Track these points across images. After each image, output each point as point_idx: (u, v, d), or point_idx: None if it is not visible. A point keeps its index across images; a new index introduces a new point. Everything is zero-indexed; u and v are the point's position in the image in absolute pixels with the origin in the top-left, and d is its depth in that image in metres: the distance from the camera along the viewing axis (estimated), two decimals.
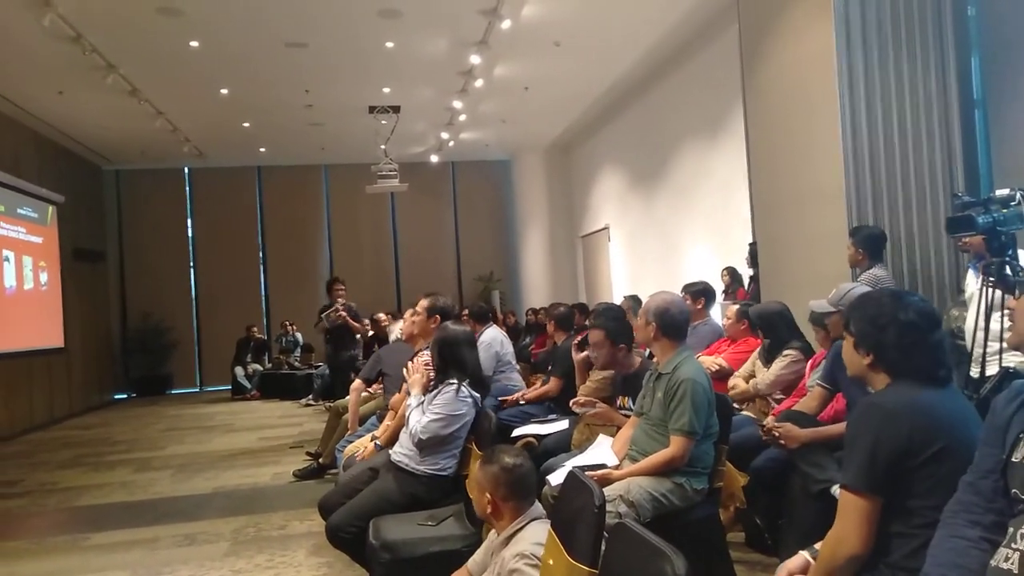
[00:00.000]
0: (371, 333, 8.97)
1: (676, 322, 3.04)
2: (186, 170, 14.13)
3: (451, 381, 3.26)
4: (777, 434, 3.00)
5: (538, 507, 2.26)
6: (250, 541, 4.32)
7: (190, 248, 14.27)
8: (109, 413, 11.57)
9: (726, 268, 7.73)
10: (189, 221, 14.27)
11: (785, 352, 3.98)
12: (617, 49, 8.73)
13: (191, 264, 14.27)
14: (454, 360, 3.34)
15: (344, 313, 7.48)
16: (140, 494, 5.73)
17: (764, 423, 3.17)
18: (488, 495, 2.20)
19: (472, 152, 13.81)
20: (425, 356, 3.66)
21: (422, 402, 3.30)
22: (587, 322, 5.74)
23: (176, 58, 8.27)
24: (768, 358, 4.13)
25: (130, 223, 13.94)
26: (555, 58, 8.79)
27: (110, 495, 5.76)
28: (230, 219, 14.16)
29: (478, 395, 3.35)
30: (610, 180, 12.01)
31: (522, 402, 5.08)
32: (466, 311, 9.63)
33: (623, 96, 10.62)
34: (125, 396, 13.53)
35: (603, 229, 12.31)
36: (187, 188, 14.27)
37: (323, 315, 7.49)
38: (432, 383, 3.36)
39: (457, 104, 10.26)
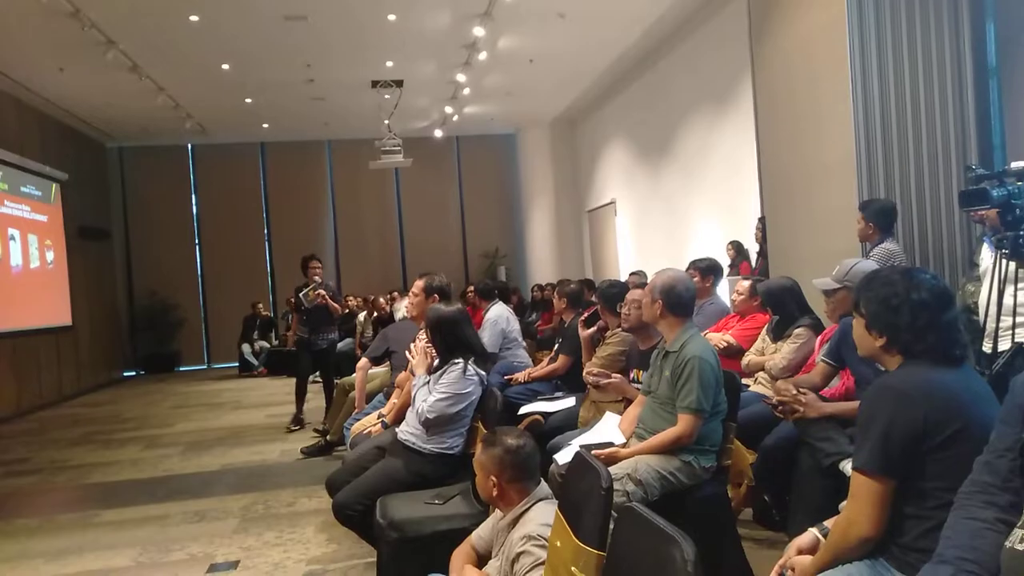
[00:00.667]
0: (347, 312, 8.91)
1: (682, 299, 3.00)
2: (189, 147, 14.07)
3: (456, 360, 3.25)
4: (802, 401, 2.96)
5: (544, 487, 2.24)
6: (259, 518, 4.34)
7: (194, 225, 14.26)
8: (118, 390, 11.66)
9: (731, 242, 7.66)
10: (193, 198, 14.25)
11: (796, 331, 3.93)
12: (622, 20, 8.58)
13: (196, 241, 14.27)
14: (455, 340, 3.32)
15: (324, 292, 6.76)
16: (150, 471, 5.77)
17: (779, 396, 3.11)
18: (493, 478, 2.18)
19: (476, 126, 13.69)
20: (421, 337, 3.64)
21: (428, 381, 3.28)
22: (592, 298, 5.73)
23: (176, 33, 8.18)
24: (776, 334, 4.09)
25: (134, 201, 13.92)
26: (560, 30, 8.66)
27: (120, 472, 5.80)
28: (234, 196, 14.12)
29: (484, 373, 3.33)
30: (616, 154, 11.90)
31: (524, 380, 5.06)
32: (472, 288, 9.65)
33: (629, 68, 10.47)
34: (134, 373, 13.62)
35: (609, 203, 12.22)
36: (190, 165, 14.22)
37: (300, 294, 6.78)
38: (436, 362, 3.34)
39: (461, 78, 10.14)
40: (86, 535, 4.26)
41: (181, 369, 13.82)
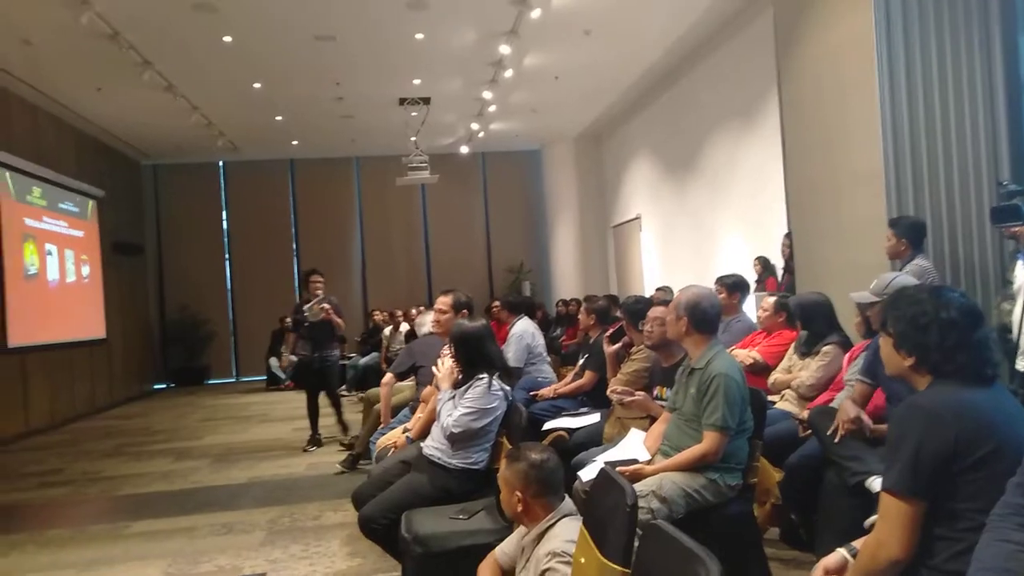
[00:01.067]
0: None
1: (708, 316, 2.99)
2: (221, 164, 14.34)
3: (481, 376, 3.26)
4: (854, 426, 2.95)
5: (569, 503, 2.24)
6: (285, 531, 4.38)
7: (225, 241, 14.49)
8: (149, 403, 11.85)
9: (758, 258, 7.61)
10: (224, 214, 14.50)
11: (824, 349, 3.89)
12: (648, 37, 8.61)
13: (226, 257, 14.49)
14: (480, 355, 3.33)
15: (328, 307, 6.44)
16: (179, 483, 5.85)
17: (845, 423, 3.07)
18: (518, 493, 2.18)
19: (502, 142, 13.77)
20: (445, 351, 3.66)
21: (453, 396, 3.30)
22: (617, 313, 5.71)
23: (210, 53, 8.37)
24: (805, 351, 4.05)
25: (167, 217, 14.21)
26: (585, 47, 8.70)
27: (150, 484, 5.89)
28: (264, 212, 14.34)
29: (508, 388, 3.34)
30: (641, 169, 11.89)
31: (550, 396, 5.05)
32: (497, 303, 9.67)
33: (654, 84, 10.48)
34: (164, 386, 13.83)
35: (635, 219, 12.19)
36: (222, 181, 14.48)
37: (305, 309, 6.46)
38: (461, 378, 3.36)
39: (487, 95, 10.22)
40: (116, 546, 4.33)
41: (210, 382, 14.01)
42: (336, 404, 6.96)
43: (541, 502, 2.18)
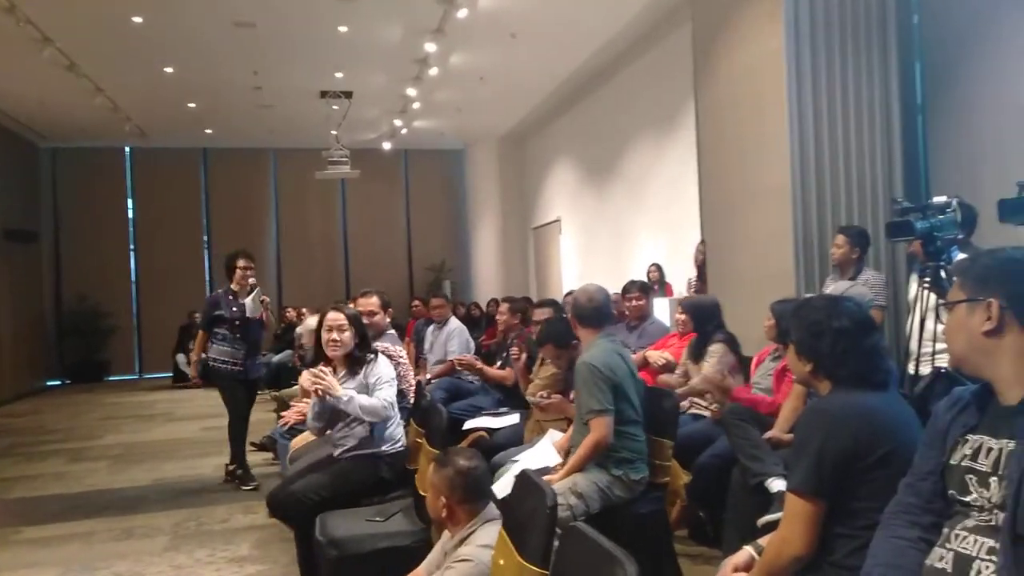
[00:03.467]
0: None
1: (585, 311, 3.10)
2: (127, 150, 13.64)
3: (369, 356, 3.33)
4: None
5: (492, 508, 2.26)
6: (191, 535, 4.22)
7: (130, 230, 13.81)
8: (41, 400, 11.15)
9: (653, 264, 7.91)
10: (129, 202, 13.80)
11: (711, 348, 4.06)
12: (573, 43, 8.75)
13: (131, 247, 13.81)
14: (365, 338, 3.39)
15: (267, 300, 5.48)
16: (75, 486, 5.54)
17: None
18: (443, 498, 2.19)
19: (426, 140, 13.69)
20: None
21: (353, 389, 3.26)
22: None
23: (117, 33, 7.95)
24: (696, 353, 4.20)
25: (66, 203, 13.39)
26: (511, 49, 8.76)
27: (43, 487, 5.56)
28: (173, 201, 13.73)
29: None
30: (563, 173, 12.06)
31: (476, 366, 5.07)
32: (418, 300, 9.62)
33: (577, 90, 10.66)
34: (59, 382, 13.05)
35: (555, 221, 12.36)
36: (128, 168, 13.79)
37: (248, 301, 5.20)
38: (348, 369, 3.33)
39: (411, 92, 10.13)
40: (5, 553, 4.06)
41: (111, 379, 13.30)
42: (243, 435, 5.46)
43: (465, 508, 2.20)
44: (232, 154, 13.92)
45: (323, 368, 3.23)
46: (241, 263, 5.33)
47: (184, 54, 8.72)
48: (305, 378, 3.33)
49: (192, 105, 10.85)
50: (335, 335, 3.28)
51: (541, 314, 4.47)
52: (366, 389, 3.25)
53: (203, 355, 5.38)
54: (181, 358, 12.17)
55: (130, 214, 13.81)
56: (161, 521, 4.50)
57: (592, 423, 2.84)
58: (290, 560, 3.52)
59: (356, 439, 3.25)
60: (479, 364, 5.11)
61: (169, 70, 9.23)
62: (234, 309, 5.25)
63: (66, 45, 8.19)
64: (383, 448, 3.26)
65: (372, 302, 4.20)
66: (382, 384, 3.25)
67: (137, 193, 13.82)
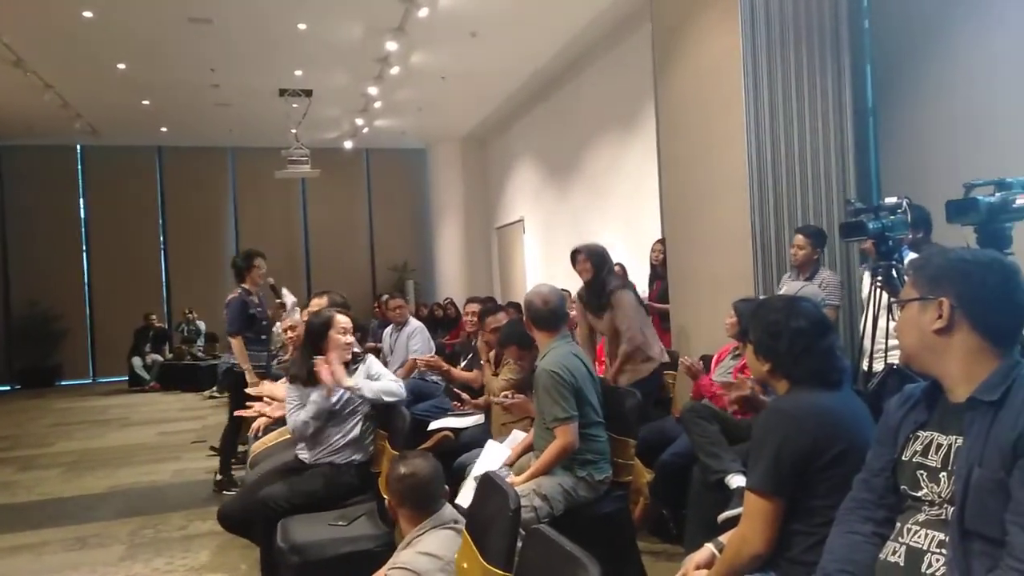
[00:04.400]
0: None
1: (541, 313, 3.09)
2: (78, 148, 13.27)
3: (359, 356, 3.40)
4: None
5: (445, 513, 2.24)
6: (147, 543, 4.12)
7: (82, 231, 13.43)
8: None
9: (618, 263, 7.94)
10: (81, 202, 13.42)
11: (614, 299, 4.26)
12: (533, 43, 8.76)
13: (84, 248, 13.44)
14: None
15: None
16: (24, 495, 5.38)
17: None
18: (393, 501, 2.22)
19: (387, 140, 13.58)
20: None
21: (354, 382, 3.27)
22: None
23: (67, 29, 7.73)
24: (594, 301, 4.39)
25: (13, 203, 12.97)
26: (472, 49, 8.74)
27: None
28: (127, 201, 13.41)
29: None
30: (525, 172, 12.08)
31: (441, 367, 5.04)
32: (381, 299, 9.53)
33: (539, 90, 10.68)
34: (8, 388, 12.63)
35: (518, 221, 12.37)
36: (79, 167, 13.40)
37: (287, 301, 5.23)
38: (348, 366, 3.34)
39: (372, 90, 10.05)
40: None
41: (63, 384, 12.93)
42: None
43: (405, 513, 2.21)
44: (189, 153, 13.63)
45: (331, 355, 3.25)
46: (257, 262, 5.23)
47: (137, 50, 8.51)
48: (324, 369, 3.19)
49: (146, 102, 10.59)
50: (347, 338, 3.30)
51: (494, 321, 4.45)
52: (370, 378, 3.32)
53: (230, 360, 5.11)
54: (137, 361, 11.90)
55: (82, 214, 13.43)
56: (116, 529, 4.39)
57: (558, 431, 2.84)
58: (250, 566, 3.47)
59: (341, 444, 3.22)
60: (445, 365, 5.04)
61: (122, 66, 9.00)
62: (260, 309, 5.11)
63: (13, 40, 7.94)
64: (358, 457, 3.23)
65: (322, 303, 4.16)
66: (383, 376, 3.34)
67: (89, 192, 13.44)
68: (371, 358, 3.42)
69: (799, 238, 4.32)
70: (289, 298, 5.40)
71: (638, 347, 4.24)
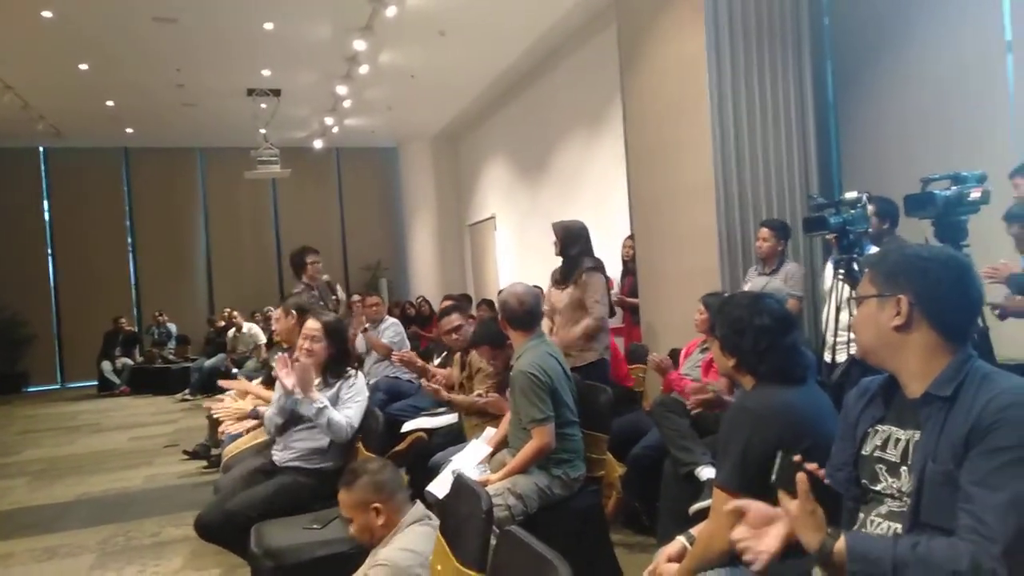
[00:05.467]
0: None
1: (516, 313, 3.10)
2: (41, 150, 13.00)
3: (349, 371, 3.30)
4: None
5: (417, 510, 2.25)
6: (119, 552, 4.08)
7: (47, 234, 13.16)
8: None
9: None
10: (45, 204, 13.15)
11: (584, 278, 4.20)
12: (502, 41, 8.77)
13: (49, 251, 13.17)
14: (345, 348, 3.36)
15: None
16: None
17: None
18: (377, 505, 2.17)
19: (358, 139, 13.49)
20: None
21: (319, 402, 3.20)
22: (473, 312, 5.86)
23: (26, 28, 7.56)
24: (564, 277, 4.34)
25: None
26: (441, 48, 8.73)
27: None
28: (94, 203, 13.16)
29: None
30: (497, 170, 12.10)
31: (405, 378, 5.00)
32: (351, 298, 9.47)
33: (508, 88, 10.70)
34: None
35: (490, 218, 12.39)
36: (42, 169, 13.13)
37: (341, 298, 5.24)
38: (323, 378, 3.28)
39: (341, 90, 9.97)
40: None
41: (30, 389, 12.67)
42: None
43: (395, 503, 2.19)
44: (156, 154, 13.42)
45: (306, 361, 3.15)
46: (311, 258, 5.34)
47: (100, 50, 8.36)
48: (280, 363, 3.19)
49: (110, 103, 10.41)
50: (308, 344, 3.25)
51: (448, 323, 4.44)
52: (336, 402, 3.20)
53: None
54: (107, 365, 11.72)
55: (47, 216, 13.16)
56: (86, 538, 4.34)
57: (534, 431, 2.87)
58: (223, 572, 3.46)
59: (308, 449, 3.20)
60: (420, 362, 4.90)
61: (84, 67, 8.84)
62: (321, 303, 5.19)
63: None
64: (328, 464, 3.19)
65: (278, 311, 4.18)
66: (352, 403, 3.20)
67: (53, 195, 13.17)
68: (359, 380, 3.30)
69: (764, 231, 4.40)
70: (342, 295, 5.42)
71: (600, 327, 4.16)
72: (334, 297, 5.80)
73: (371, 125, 12.55)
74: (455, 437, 4.04)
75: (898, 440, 1.47)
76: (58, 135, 11.72)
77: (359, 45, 8.25)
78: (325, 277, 5.34)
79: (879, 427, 1.53)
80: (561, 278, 4.34)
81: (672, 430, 3.26)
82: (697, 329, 3.95)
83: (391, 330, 5.91)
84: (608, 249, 8.09)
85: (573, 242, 4.35)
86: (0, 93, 9.26)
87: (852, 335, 3.37)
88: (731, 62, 4.84)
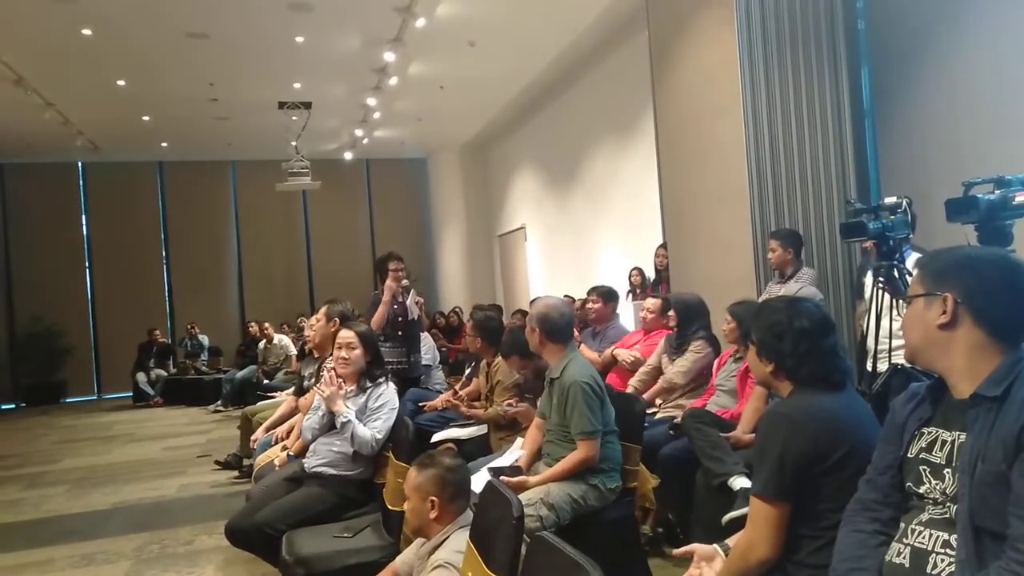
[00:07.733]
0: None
1: (557, 326, 3.07)
2: (80, 165, 13.33)
3: (380, 380, 3.30)
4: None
5: (467, 515, 2.25)
6: (154, 559, 4.11)
7: (85, 247, 13.47)
8: None
9: (635, 268, 7.94)
10: (84, 218, 13.47)
11: (695, 344, 4.12)
12: (531, 51, 8.80)
13: (87, 264, 13.48)
14: (378, 356, 3.37)
15: (421, 300, 5.64)
16: (31, 513, 5.36)
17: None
18: (433, 498, 2.18)
19: (387, 150, 13.62)
20: (330, 363, 3.56)
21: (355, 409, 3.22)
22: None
23: (66, 46, 7.78)
24: (677, 346, 4.25)
25: (16, 221, 13.03)
26: (470, 58, 8.77)
27: None
28: (129, 217, 13.46)
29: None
30: (526, 180, 12.10)
31: (441, 407, 4.99)
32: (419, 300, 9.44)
33: (538, 97, 10.71)
34: (13, 406, 12.63)
35: (519, 228, 12.39)
36: (81, 184, 13.46)
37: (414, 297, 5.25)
38: (358, 385, 3.30)
39: (371, 101, 10.09)
40: None
41: (68, 400, 12.93)
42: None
43: (454, 506, 2.20)
44: (190, 167, 13.69)
45: (339, 378, 3.22)
46: (392, 265, 5.25)
47: (136, 66, 8.56)
48: (324, 383, 3.24)
49: (146, 118, 10.65)
50: (344, 353, 3.28)
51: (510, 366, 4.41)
52: (364, 411, 3.22)
53: None
54: (141, 377, 11.91)
55: (84, 231, 13.48)
56: (123, 545, 4.38)
57: (582, 442, 2.84)
58: None
59: (337, 454, 3.20)
60: (463, 406, 4.69)
61: (121, 83, 9.06)
62: (395, 307, 5.17)
63: (12, 59, 7.99)
64: (352, 473, 3.19)
65: (320, 313, 4.18)
66: (381, 414, 3.20)
67: (91, 209, 13.50)
68: (389, 387, 3.29)
69: (771, 243, 4.36)
70: (413, 307, 5.38)
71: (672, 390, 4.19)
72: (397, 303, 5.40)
73: (400, 136, 12.65)
74: (484, 448, 4.02)
75: (944, 442, 1.44)
76: (96, 150, 12.01)
77: (389, 56, 8.33)
78: (405, 282, 5.26)
79: (925, 429, 1.50)
80: (675, 349, 4.27)
81: (703, 441, 3.20)
82: (726, 339, 3.89)
83: (428, 353, 5.72)
84: (639, 259, 8.03)
85: (692, 317, 4.25)
86: (42, 110, 9.52)
87: (894, 344, 3.31)
88: (764, 67, 4.78)
